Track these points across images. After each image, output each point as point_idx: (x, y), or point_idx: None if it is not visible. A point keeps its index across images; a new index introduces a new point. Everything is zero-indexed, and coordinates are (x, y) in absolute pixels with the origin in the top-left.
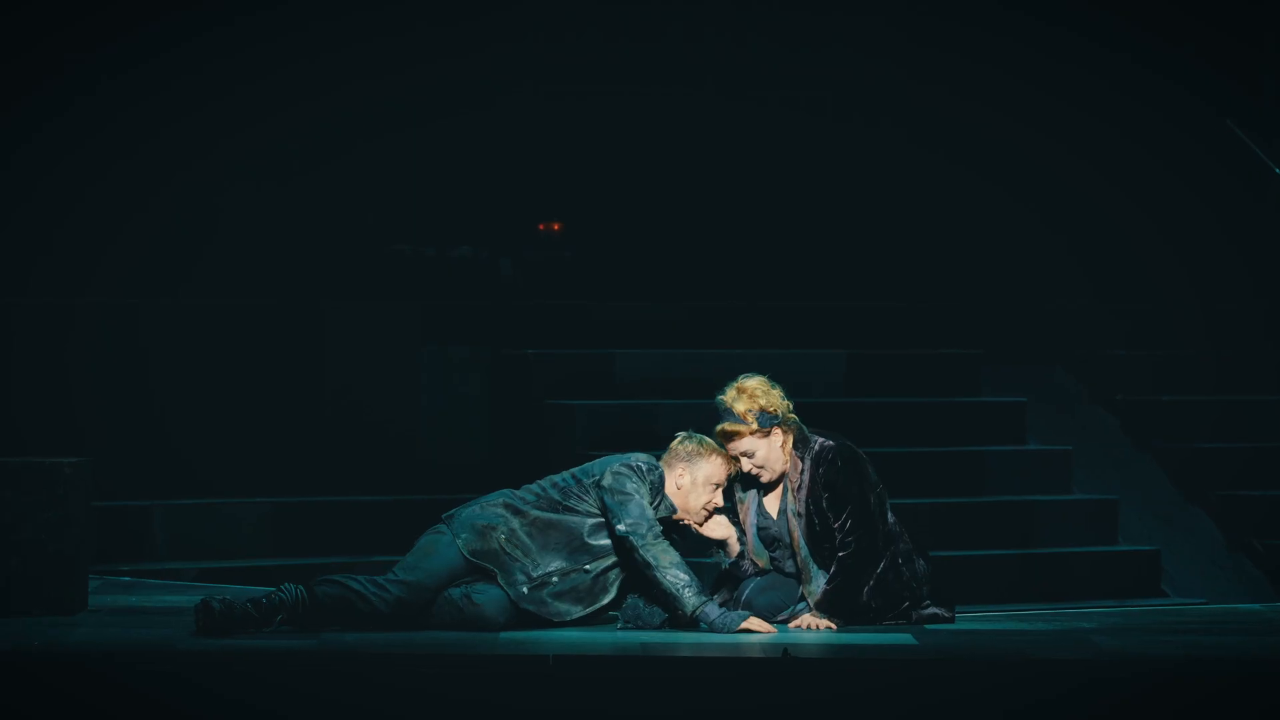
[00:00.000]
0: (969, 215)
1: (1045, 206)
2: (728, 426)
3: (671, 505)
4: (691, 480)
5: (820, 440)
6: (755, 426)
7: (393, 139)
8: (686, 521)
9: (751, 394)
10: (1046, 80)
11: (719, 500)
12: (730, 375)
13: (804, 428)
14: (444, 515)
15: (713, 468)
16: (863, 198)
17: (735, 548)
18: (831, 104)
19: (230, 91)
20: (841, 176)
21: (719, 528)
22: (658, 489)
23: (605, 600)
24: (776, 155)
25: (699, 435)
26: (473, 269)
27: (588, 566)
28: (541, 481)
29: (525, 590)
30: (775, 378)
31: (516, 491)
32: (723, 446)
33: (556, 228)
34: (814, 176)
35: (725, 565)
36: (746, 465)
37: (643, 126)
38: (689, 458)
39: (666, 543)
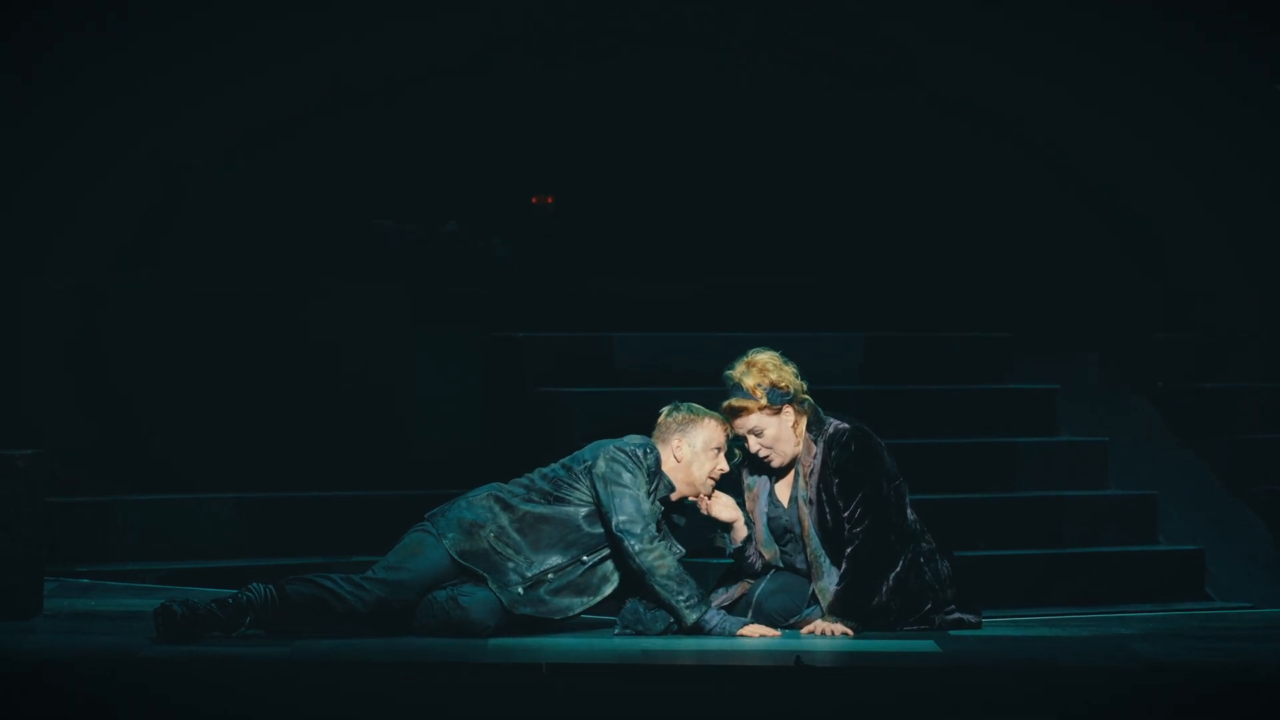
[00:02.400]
0: (997, 187)
1: (1080, 177)
2: (735, 402)
3: (671, 484)
4: (690, 448)
5: (835, 423)
6: (764, 402)
7: (374, 105)
8: (694, 497)
9: (762, 368)
10: (1080, 38)
11: (724, 465)
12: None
13: (819, 410)
14: (427, 514)
15: (709, 432)
16: (882, 168)
17: (742, 531)
18: (850, 66)
19: (195, 54)
20: (859, 144)
21: (726, 509)
22: (655, 472)
23: (608, 590)
24: (788, 121)
25: (686, 404)
26: (461, 246)
27: (585, 558)
28: (530, 474)
29: (520, 591)
30: (792, 359)
31: (504, 485)
32: (729, 424)
33: (550, 201)
34: (829, 144)
35: (730, 550)
36: (754, 445)
37: (644, 91)
38: (682, 427)
39: (662, 546)
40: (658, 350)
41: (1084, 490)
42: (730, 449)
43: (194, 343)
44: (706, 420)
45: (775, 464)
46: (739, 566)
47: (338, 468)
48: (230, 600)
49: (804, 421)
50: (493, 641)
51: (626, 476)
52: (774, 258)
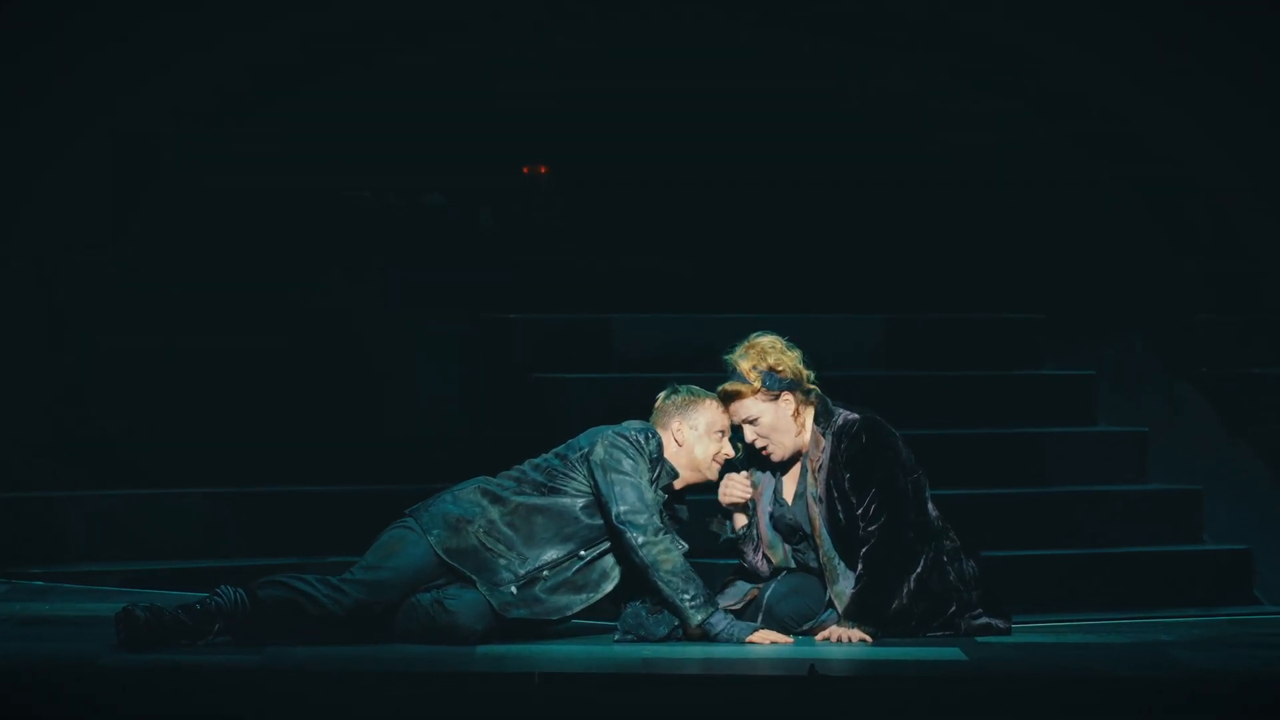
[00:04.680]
0: (1028, 157)
1: (1118, 147)
2: (729, 386)
3: (674, 470)
4: (693, 431)
5: (844, 413)
6: (759, 386)
7: (352, 68)
8: (701, 479)
9: (761, 351)
10: (1118, 6)
11: (728, 449)
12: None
13: (828, 400)
14: (408, 509)
15: (711, 413)
16: (903, 135)
17: (744, 518)
18: (869, 31)
19: (152, 19)
20: (877, 110)
21: (738, 488)
22: (657, 458)
23: (608, 587)
24: (801, 86)
25: (685, 386)
26: (445, 219)
27: (583, 553)
28: (521, 466)
29: (514, 591)
30: (800, 345)
31: (493, 479)
32: (725, 409)
33: (543, 170)
34: (844, 110)
35: (724, 539)
36: (749, 434)
37: (645, 53)
38: (682, 409)
39: (667, 540)
40: (659, 333)
41: (1122, 485)
42: (733, 440)
43: (157, 327)
44: (708, 402)
45: (775, 457)
46: (740, 566)
47: (314, 460)
48: (198, 605)
49: (809, 412)
50: (481, 648)
51: (627, 463)
52: (785, 234)
